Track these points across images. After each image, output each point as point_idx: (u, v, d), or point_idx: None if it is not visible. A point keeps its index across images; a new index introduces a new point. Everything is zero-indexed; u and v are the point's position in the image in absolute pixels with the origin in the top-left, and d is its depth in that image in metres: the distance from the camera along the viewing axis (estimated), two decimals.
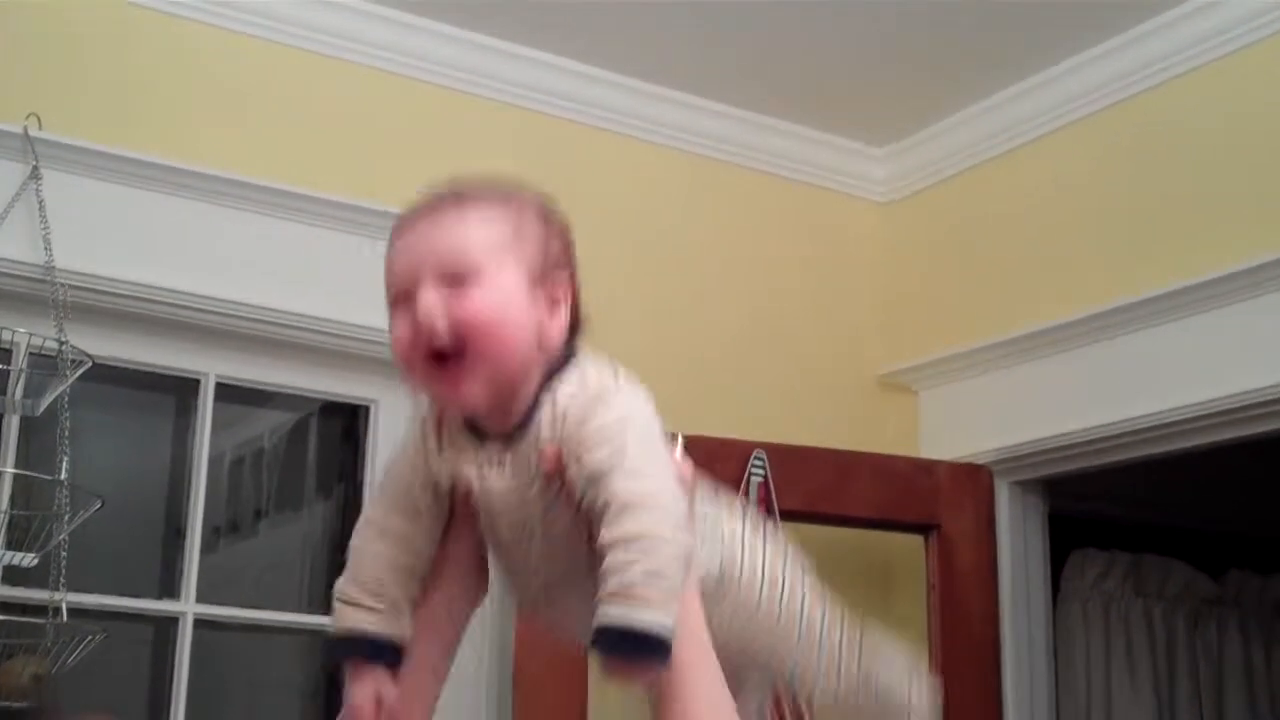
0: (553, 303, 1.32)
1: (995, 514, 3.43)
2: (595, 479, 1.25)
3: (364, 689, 1.33)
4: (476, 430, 1.33)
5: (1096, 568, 4.51)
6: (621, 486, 1.24)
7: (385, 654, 1.34)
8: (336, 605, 1.36)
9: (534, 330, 1.29)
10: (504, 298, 1.28)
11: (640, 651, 1.19)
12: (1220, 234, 3.01)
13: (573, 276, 1.36)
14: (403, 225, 1.33)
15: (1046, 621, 3.49)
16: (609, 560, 1.21)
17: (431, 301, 1.26)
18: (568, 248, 1.36)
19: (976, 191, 3.57)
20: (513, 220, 1.31)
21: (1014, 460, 3.40)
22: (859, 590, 3.46)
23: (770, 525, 1.47)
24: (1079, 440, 3.25)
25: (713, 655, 1.30)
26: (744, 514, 1.45)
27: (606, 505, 1.23)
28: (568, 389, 1.30)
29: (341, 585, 1.36)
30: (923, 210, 3.71)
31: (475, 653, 2.96)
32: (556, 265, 1.33)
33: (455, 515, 1.37)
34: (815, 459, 3.26)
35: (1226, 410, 2.97)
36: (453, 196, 1.33)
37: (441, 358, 1.27)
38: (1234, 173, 3.02)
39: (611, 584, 1.20)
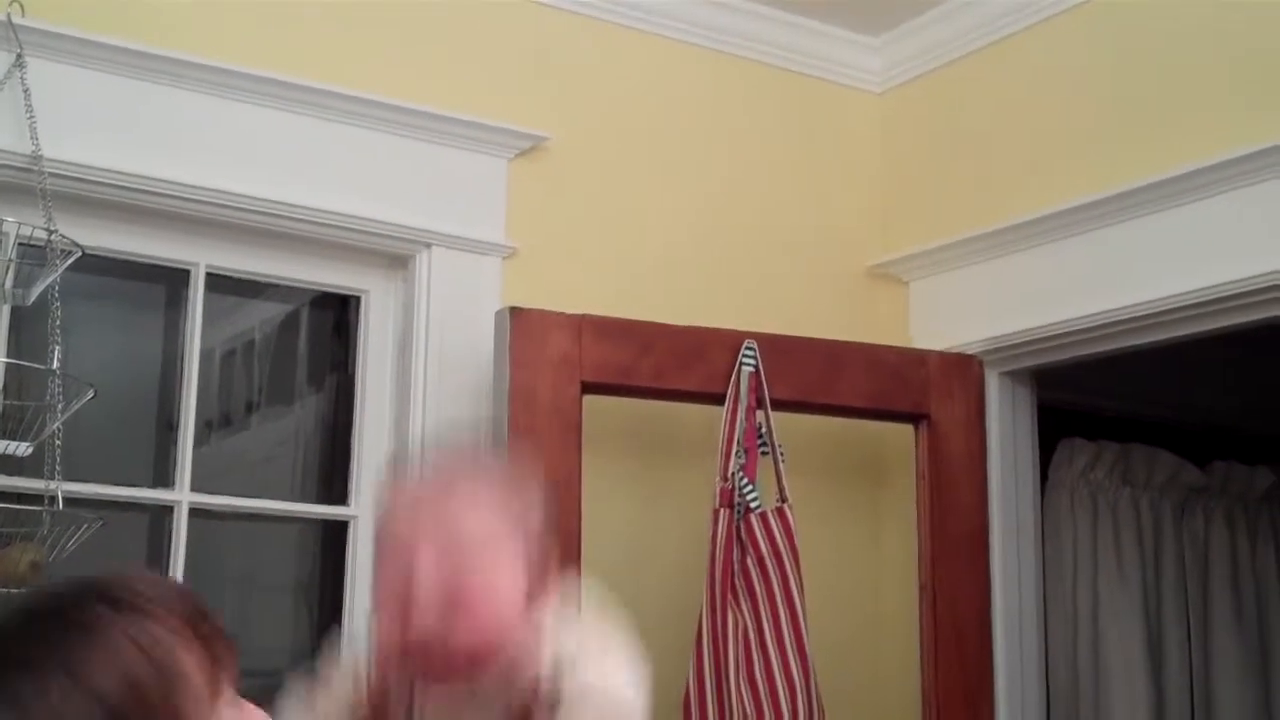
0: (541, 570, 1.34)
1: (985, 404, 3.45)
2: None
3: None
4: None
5: (1084, 457, 4.54)
6: None
7: None
8: None
9: (524, 603, 1.32)
10: (501, 592, 1.30)
11: None
12: (1208, 125, 2.99)
13: (548, 533, 1.38)
14: (401, 493, 1.37)
15: (1035, 510, 3.52)
16: None
17: (430, 583, 1.27)
18: (546, 508, 1.38)
19: (969, 81, 3.54)
20: (506, 501, 1.34)
21: (1003, 350, 3.42)
22: (849, 479, 3.53)
23: None
24: (1068, 330, 3.26)
25: None
26: None
27: None
28: (551, 650, 1.31)
29: None
30: (916, 100, 3.69)
31: None
32: (541, 533, 1.36)
33: None
34: (806, 349, 3.26)
35: (1213, 300, 2.97)
36: (446, 476, 1.37)
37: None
38: (1223, 63, 2.99)
39: None
